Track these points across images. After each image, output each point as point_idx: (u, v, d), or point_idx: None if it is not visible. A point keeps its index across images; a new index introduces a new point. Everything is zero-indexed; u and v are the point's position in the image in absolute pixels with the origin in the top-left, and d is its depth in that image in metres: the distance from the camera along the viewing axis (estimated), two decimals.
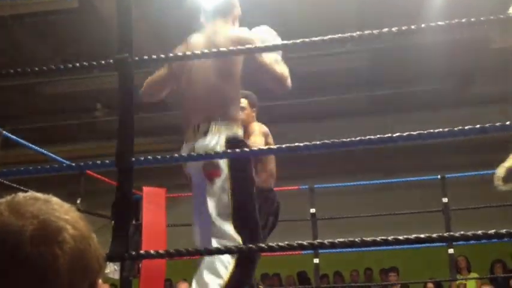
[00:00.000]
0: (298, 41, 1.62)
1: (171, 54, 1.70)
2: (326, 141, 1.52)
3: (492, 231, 1.30)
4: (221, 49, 2.00)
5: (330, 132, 6.35)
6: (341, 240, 1.38)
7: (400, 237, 1.35)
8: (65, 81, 7.66)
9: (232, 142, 2.37)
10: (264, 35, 2.63)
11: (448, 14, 5.05)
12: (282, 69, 2.51)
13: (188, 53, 1.83)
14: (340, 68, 7.49)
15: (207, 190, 2.38)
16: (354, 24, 5.97)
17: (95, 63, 1.71)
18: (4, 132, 3.97)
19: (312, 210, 4.87)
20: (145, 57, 1.76)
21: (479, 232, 1.31)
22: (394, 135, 1.47)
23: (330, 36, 1.60)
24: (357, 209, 6.66)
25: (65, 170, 1.84)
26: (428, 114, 8.74)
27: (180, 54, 1.75)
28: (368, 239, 1.35)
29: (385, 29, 1.57)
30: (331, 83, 8.14)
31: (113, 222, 2.68)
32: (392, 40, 6.35)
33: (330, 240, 1.39)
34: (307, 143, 1.58)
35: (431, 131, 1.47)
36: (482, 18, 1.55)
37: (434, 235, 1.35)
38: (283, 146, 1.72)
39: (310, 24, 6.04)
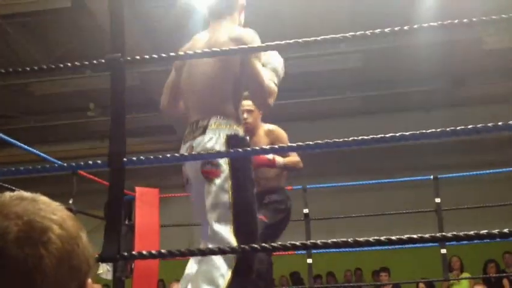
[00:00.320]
0: (291, 41, 1.61)
1: (163, 54, 1.69)
2: (319, 141, 1.52)
3: (484, 232, 1.31)
4: (214, 49, 2.00)
5: (322, 132, 6.36)
6: (334, 240, 1.38)
7: (393, 238, 1.35)
8: (57, 81, 7.62)
9: (233, 141, 2.29)
10: (269, 56, 2.57)
11: (441, 16, 5.08)
12: (270, 86, 2.43)
13: (181, 52, 1.82)
14: (334, 69, 7.50)
15: (205, 190, 2.29)
16: (347, 25, 5.98)
17: (87, 63, 1.71)
18: None
19: (306, 211, 4.87)
20: (137, 57, 1.75)
21: (472, 232, 1.31)
22: (387, 135, 1.47)
23: (323, 37, 1.60)
24: (350, 209, 6.68)
25: (57, 170, 1.83)
26: (421, 115, 8.78)
27: (172, 54, 1.74)
28: (361, 239, 1.35)
29: (378, 30, 1.57)
30: (324, 84, 8.16)
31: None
32: (385, 41, 6.38)
33: (323, 241, 1.39)
34: (301, 143, 1.57)
35: (424, 131, 1.47)
36: (474, 19, 1.55)
37: (427, 235, 1.35)
38: (276, 146, 1.72)
39: (303, 25, 6.05)
